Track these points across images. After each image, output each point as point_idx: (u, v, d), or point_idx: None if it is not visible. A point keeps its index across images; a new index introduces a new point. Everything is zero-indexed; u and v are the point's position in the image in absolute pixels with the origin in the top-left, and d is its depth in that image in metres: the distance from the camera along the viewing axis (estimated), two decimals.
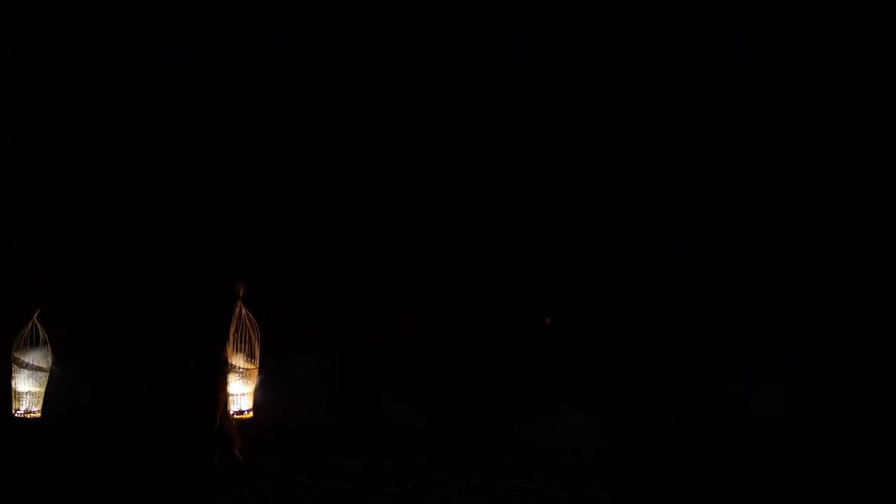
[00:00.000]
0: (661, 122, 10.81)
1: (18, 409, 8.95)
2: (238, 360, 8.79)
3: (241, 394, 8.83)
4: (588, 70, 10.78)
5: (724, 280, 10.68)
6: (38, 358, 8.99)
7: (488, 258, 10.82)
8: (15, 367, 8.92)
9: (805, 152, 10.67)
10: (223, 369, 8.74)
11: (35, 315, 8.99)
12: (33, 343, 8.98)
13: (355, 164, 10.82)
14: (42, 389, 9.00)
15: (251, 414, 8.89)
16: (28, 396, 8.96)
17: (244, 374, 8.79)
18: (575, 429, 9.69)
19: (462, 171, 10.84)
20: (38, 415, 8.98)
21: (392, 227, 10.79)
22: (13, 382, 8.94)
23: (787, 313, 10.47)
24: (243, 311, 8.80)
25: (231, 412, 8.77)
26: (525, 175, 10.86)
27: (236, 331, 8.76)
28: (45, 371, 9.00)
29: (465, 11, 10.42)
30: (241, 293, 8.85)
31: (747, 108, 10.75)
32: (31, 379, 8.95)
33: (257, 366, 8.89)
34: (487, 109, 10.91)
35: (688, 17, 10.34)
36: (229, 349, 8.75)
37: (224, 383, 8.73)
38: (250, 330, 8.81)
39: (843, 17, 10.14)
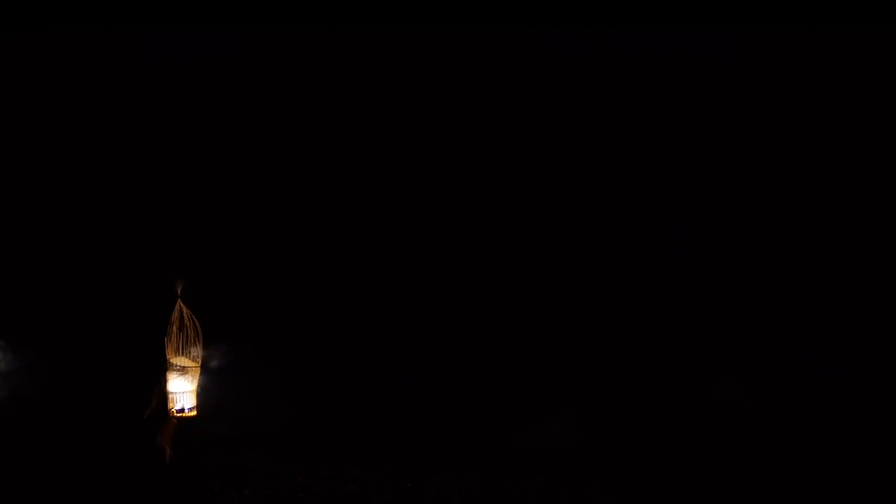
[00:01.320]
0: (661, 123, 10.81)
1: None
2: (179, 359, 8.83)
3: (182, 392, 8.86)
4: (588, 70, 10.79)
5: (723, 279, 10.68)
6: None
7: (478, 257, 10.83)
8: None
9: (804, 152, 10.68)
10: (163, 368, 8.80)
11: None
12: None
13: (333, 163, 10.83)
14: None
15: (194, 412, 8.93)
16: None
17: (184, 372, 8.84)
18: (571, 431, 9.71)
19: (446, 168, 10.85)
20: None
21: (373, 225, 10.80)
22: None
23: (787, 313, 10.48)
24: (184, 309, 8.85)
25: (173, 410, 8.82)
26: (521, 175, 10.86)
27: (179, 329, 8.82)
28: None
29: (464, 11, 10.42)
30: (180, 292, 8.90)
31: (746, 108, 10.75)
32: None
33: (199, 364, 8.92)
34: (485, 110, 10.92)
35: (687, 18, 10.35)
36: (170, 348, 8.81)
37: (163, 381, 8.78)
38: (190, 328, 8.86)
39: (842, 18, 10.14)
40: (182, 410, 8.85)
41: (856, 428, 9.52)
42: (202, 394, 9.12)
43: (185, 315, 8.82)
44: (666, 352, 10.54)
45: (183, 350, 8.83)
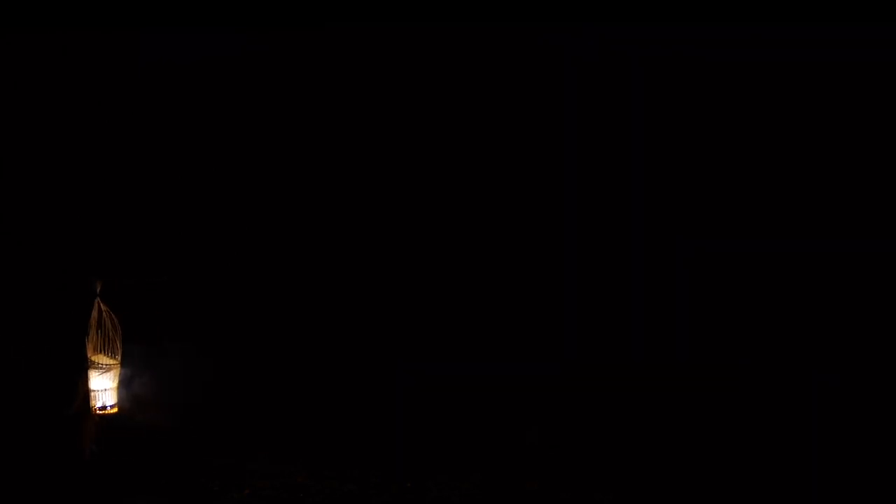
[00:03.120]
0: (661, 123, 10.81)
1: None
2: (99, 357, 8.91)
3: (103, 389, 8.94)
4: (588, 69, 10.79)
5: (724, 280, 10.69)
6: None
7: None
8: None
9: (801, 153, 10.68)
10: (84, 366, 8.87)
11: None
12: None
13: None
14: None
15: (116, 409, 9.02)
16: None
17: (106, 369, 8.92)
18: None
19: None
20: None
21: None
22: None
23: (783, 317, 10.48)
24: (102, 307, 8.94)
25: (94, 408, 8.89)
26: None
27: (98, 327, 8.90)
28: None
29: (463, 11, 10.43)
30: (98, 290, 8.99)
31: (746, 107, 10.76)
32: None
33: (119, 361, 9.02)
34: (484, 110, 10.92)
35: (687, 17, 10.35)
36: (90, 346, 8.88)
37: (85, 379, 8.85)
38: (110, 326, 8.94)
39: (842, 16, 10.14)
40: (104, 408, 8.98)
41: (851, 432, 9.53)
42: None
43: (103, 313, 8.96)
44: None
45: (102, 348, 8.97)
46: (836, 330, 10.26)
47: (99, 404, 8.99)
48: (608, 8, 10.43)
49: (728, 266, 10.66)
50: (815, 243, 10.49)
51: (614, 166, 10.85)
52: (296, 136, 10.94)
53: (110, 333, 9.02)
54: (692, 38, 10.48)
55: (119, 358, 9.09)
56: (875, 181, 10.56)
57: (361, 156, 10.97)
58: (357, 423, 10.11)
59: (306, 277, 10.88)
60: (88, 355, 8.93)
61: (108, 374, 9.01)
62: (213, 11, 10.37)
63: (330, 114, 10.95)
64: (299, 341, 10.60)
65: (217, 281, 10.68)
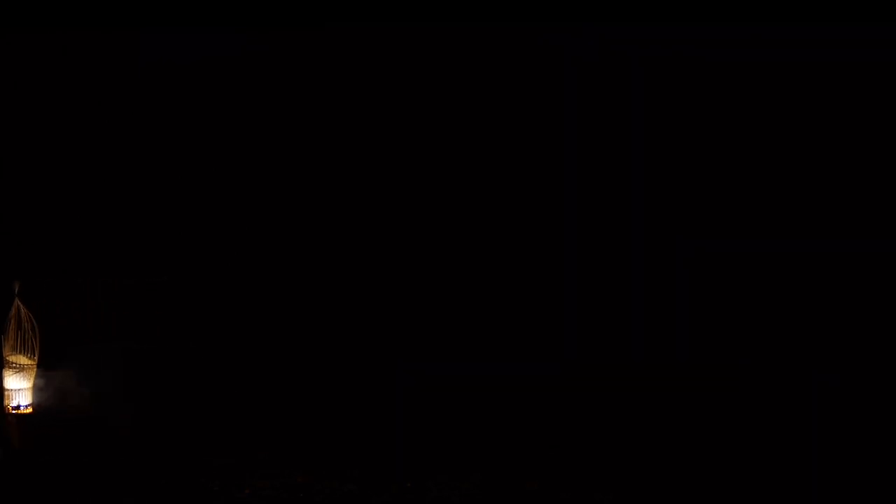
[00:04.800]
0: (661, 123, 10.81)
1: None
2: (16, 357, 8.96)
3: (18, 389, 8.98)
4: (588, 69, 10.79)
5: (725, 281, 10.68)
6: None
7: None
8: None
9: (802, 153, 10.68)
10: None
11: None
12: None
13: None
14: None
15: (30, 409, 9.06)
16: None
17: (21, 370, 8.97)
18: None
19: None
20: None
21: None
22: None
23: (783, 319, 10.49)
24: (21, 308, 8.98)
25: (8, 407, 8.94)
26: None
27: (17, 328, 8.95)
28: None
29: (462, 11, 10.44)
30: (17, 291, 9.02)
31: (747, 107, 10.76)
32: None
33: (36, 361, 9.06)
34: (484, 111, 10.91)
35: (687, 17, 10.36)
36: (7, 346, 8.92)
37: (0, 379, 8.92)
38: (28, 327, 8.98)
39: (842, 16, 10.14)
40: (18, 407, 9.03)
41: (851, 432, 9.53)
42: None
43: (22, 314, 8.99)
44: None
45: (21, 348, 9.02)
46: (835, 330, 10.27)
47: (13, 404, 9.05)
48: (608, 8, 10.44)
49: (728, 266, 10.66)
50: (815, 243, 10.48)
51: (614, 166, 10.85)
52: (296, 136, 10.94)
53: (28, 334, 9.07)
54: (692, 38, 10.49)
55: (36, 358, 9.14)
56: (875, 181, 10.57)
57: (361, 156, 10.97)
58: (357, 423, 10.11)
59: (307, 277, 10.88)
60: (5, 355, 8.99)
61: (24, 373, 9.07)
62: (213, 11, 10.38)
63: (330, 114, 10.94)
64: (299, 341, 10.61)
65: (218, 281, 10.68)
